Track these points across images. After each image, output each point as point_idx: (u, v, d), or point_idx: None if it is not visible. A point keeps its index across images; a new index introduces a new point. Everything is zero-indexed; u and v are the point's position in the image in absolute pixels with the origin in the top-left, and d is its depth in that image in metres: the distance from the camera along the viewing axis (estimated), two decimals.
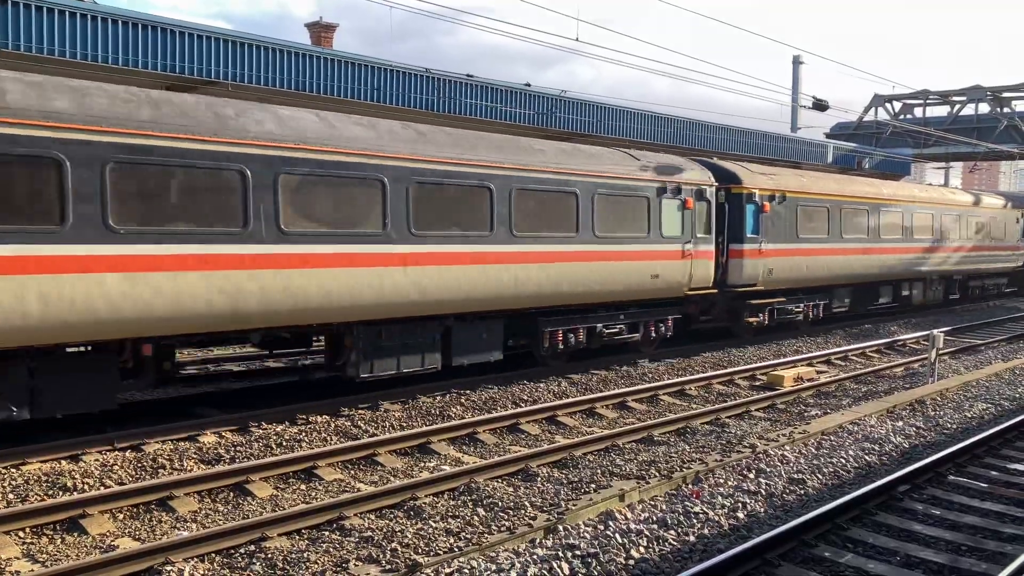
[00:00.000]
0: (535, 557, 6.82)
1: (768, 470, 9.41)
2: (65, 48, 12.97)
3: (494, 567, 6.63)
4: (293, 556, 6.91)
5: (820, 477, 9.31)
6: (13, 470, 8.95)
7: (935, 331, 15.55)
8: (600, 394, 13.28)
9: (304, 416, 11.46)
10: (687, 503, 8.24)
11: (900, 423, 11.84)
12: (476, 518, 7.77)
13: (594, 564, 6.75)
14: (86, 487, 8.54)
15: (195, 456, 9.68)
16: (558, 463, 9.79)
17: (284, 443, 10.31)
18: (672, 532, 7.50)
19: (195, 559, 6.84)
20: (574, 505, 8.07)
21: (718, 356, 17.64)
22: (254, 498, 8.51)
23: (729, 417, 12.36)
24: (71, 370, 9.60)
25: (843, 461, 9.89)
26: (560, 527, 7.55)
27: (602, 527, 7.57)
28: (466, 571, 6.57)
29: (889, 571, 6.74)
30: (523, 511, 7.90)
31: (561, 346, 15.00)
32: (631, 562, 6.84)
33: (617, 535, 7.31)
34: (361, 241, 11.45)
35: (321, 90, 16.10)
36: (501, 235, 13.24)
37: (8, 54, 12.35)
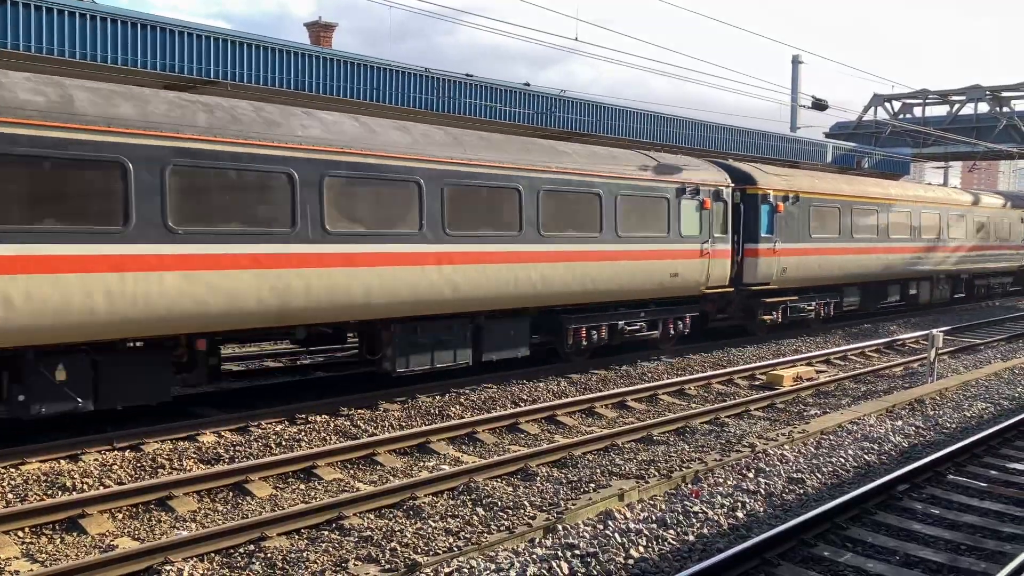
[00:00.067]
0: (534, 556, 6.82)
1: (767, 469, 9.41)
2: (64, 48, 12.96)
3: (493, 566, 6.63)
4: (292, 556, 6.92)
5: (819, 476, 9.32)
6: (12, 470, 8.95)
7: (934, 331, 15.56)
8: (599, 393, 13.28)
9: (303, 416, 11.47)
10: (686, 502, 8.24)
11: (899, 422, 11.85)
12: (475, 518, 7.77)
13: (593, 564, 6.75)
14: (85, 487, 8.54)
15: (194, 456, 9.68)
16: (557, 463, 9.80)
17: (283, 443, 10.31)
18: (671, 531, 7.50)
19: (194, 559, 6.84)
20: (573, 504, 8.07)
21: (717, 356, 17.65)
22: (253, 498, 8.52)
23: (728, 416, 12.36)
24: (130, 364, 10.04)
25: (842, 460, 9.90)
26: (559, 526, 7.56)
27: (601, 526, 7.58)
28: (465, 570, 6.57)
29: (888, 570, 6.74)
30: (522, 511, 7.90)
31: (584, 343, 15.39)
32: (630, 561, 6.84)
33: (616, 534, 7.31)
34: (399, 241, 11.94)
35: (320, 90, 16.09)
36: (529, 235, 13.72)
37: (8, 54, 12.34)
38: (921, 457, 9.79)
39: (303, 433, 10.71)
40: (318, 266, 10.98)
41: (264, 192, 10.59)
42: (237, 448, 10.01)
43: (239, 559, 6.92)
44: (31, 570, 6.70)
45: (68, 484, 8.56)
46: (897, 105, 40.17)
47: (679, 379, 14.61)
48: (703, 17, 22.75)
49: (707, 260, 17.33)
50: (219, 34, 14.92)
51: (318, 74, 16.12)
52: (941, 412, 12.63)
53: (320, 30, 28.45)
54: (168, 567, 6.63)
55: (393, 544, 7.07)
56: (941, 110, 39.80)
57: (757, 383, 15.08)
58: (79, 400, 9.50)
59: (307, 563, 6.77)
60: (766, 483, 8.92)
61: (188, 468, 9.26)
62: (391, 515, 7.96)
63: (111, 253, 9.25)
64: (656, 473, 9.18)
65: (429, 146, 12.46)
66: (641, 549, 7.10)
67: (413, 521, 7.74)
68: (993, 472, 9.49)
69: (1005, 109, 37.38)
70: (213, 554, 6.98)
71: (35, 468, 9.04)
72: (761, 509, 8.23)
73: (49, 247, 8.86)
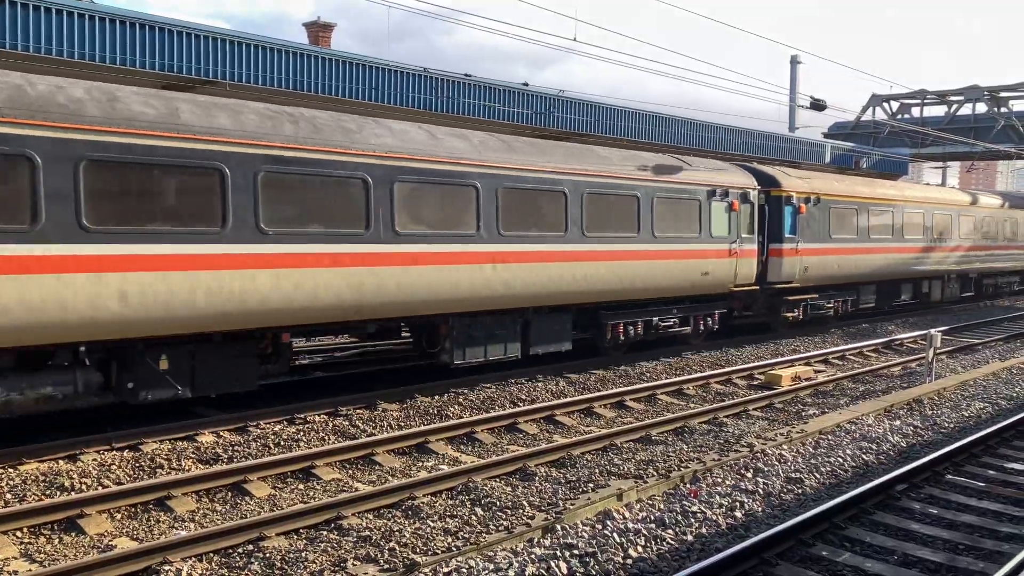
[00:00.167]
0: (533, 556, 6.83)
1: (766, 469, 9.42)
2: (63, 48, 12.96)
3: (492, 566, 6.63)
4: (291, 556, 6.92)
5: (818, 476, 9.33)
6: (11, 470, 8.95)
7: (932, 330, 15.57)
8: (598, 393, 13.29)
9: (302, 416, 11.47)
10: (685, 502, 8.25)
11: (898, 422, 11.86)
12: (474, 517, 7.77)
13: (592, 563, 6.75)
14: (84, 487, 8.54)
15: (193, 456, 9.68)
16: (556, 462, 9.80)
17: (282, 443, 10.32)
18: (670, 531, 7.51)
19: (193, 559, 6.84)
20: (572, 504, 8.08)
21: (716, 355, 17.66)
22: (252, 498, 8.51)
23: (727, 416, 12.37)
24: (223, 355, 10.80)
25: (841, 460, 9.91)
26: (558, 526, 7.56)
27: (600, 526, 7.58)
28: (464, 570, 6.58)
29: (887, 570, 6.75)
30: (521, 510, 7.91)
31: (622, 338, 16.28)
32: (629, 561, 6.85)
33: (615, 534, 7.32)
34: (458, 241, 12.78)
35: (319, 90, 16.09)
36: (574, 235, 14.56)
37: (6, 54, 12.33)
38: (919, 457, 9.80)
39: (302, 433, 10.72)
40: (388, 265, 11.82)
41: (342, 196, 11.37)
42: (236, 448, 10.01)
43: (238, 559, 6.92)
44: (30, 570, 6.70)
45: (67, 484, 8.56)
46: (895, 105, 40.20)
47: (677, 379, 14.62)
48: (702, 17, 22.76)
49: (735, 259, 18.12)
50: (218, 34, 14.92)
51: (317, 74, 16.12)
52: (939, 412, 12.64)
53: (319, 30, 28.44)
54: (167, 567, 6.63)
55: (392, 544, 7.07)
56: (939, 110, 39.85)
57: (755, 383, 15.09)
58: (179, 388, 10.35)
59: (306, 563, 6.78)
60: (764, 483, 8.93)
61: (187, 468, 9.26)
62: (390, 515, 7.96)
63: (211, 253, 10.08)
64: (655, 473, 9.19)
65: (485, 152, 13.32)
66: (640, 549, 7.11)
67: (412, 521, 7.74)
68: (991, 472, 9.51)
69: (1003, 109, 37.40)
70: (212, 554, 6.98)
71: (34, 468, 9.04)
72: (759, 509, 8.23)
73: (159, 247, 9.67)
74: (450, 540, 7.18)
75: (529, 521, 7.63)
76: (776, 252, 19.50)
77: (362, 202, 11.52)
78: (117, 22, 13.62)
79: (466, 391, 13.39)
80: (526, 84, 20.20)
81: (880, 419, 12.06)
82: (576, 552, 6.93)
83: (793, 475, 9.25)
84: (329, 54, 16.87)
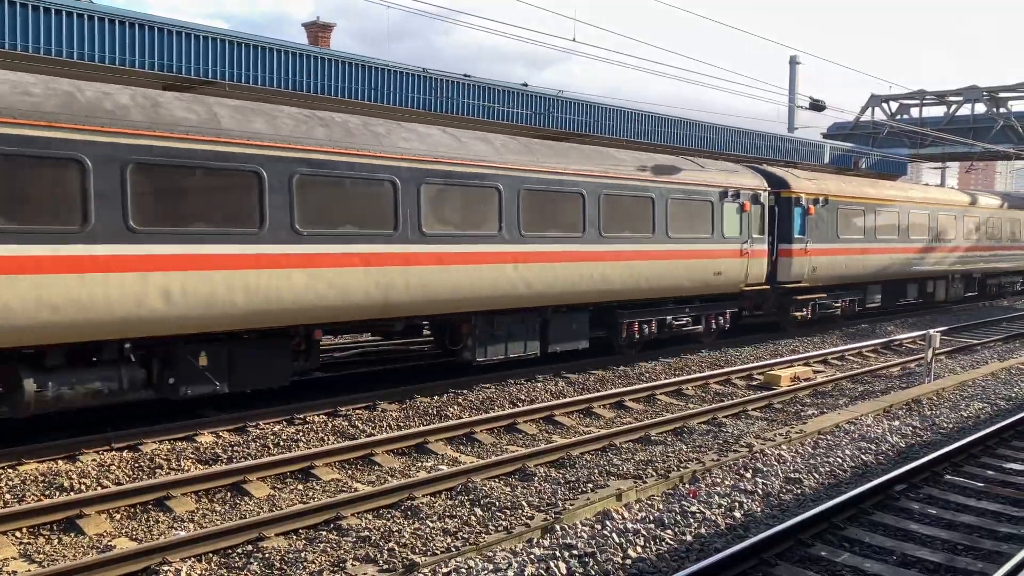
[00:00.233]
0: (532, 557, 6.83)
1: (765, 469, 9.43)
2: (62, 48, 12.95)
3: (491, 567, 6.64)
4: (290, 556, 6.92)
5: (817, 476, 9.33)
6: (10, 470, 8.95)
7: (931, 331, 15.58)
8: (597, 394, 13.29)
9: (301, 416, 11.47)
10: (684, 502, 8.25)
11: (897, 422, 11.87)
12: (473, 518, 7.77)
13: (591, 564, 6.76)
14: (83, 487, 8.54)
15: (192, 456, 9.68)
16: (555, 463, 9.80)
17: (281, 443, 10.32)
18: (669, 531, 7.51)
19: (192, 559, 6.84)
20: (571, 505, 8.08)
21: (715, 356, 17.67)
22: (251, 498, 8.51)
23: (726, 417, 12.38)
24: (258, 351, 11.15)
25: (840, 460, 9.91)
26: (557, 527, 7.57)
27: (599, 527, 7.59)
28: (463, 571, 6.58)
29: (885, 570, 6.76)
30: (520, 511, 7.91)
31: (636, 336, 16.62)
32: (628, 562, 6.85)
33: (614, 535, 7.32)
34: (481, 241, 13.12)
35: (318, 90, 16.08)
36: (591, 236, 14.91)
37: (5, 54, 12.32)
38: (918, 457, 9.81)
39: (301, 433, 10.72)
40: (416, 264, 12.17)
41: (372, 198, 11.72)
42: (235, 448, 10.01)
43: (237, 559, 6.92)
44: (29, 570, 6.70)
45: (66, 484, 8.56)
46: (894, 106, 40.20)
47: (677, 379, 14.63)
48: (700, 18, 22.77)
49: (747, 260, 18.50)
50: (217, 34, 14.91)
51: (316, 74, 16.12)
52: (938, 412, 12.65)
53: (318, 30, 28.42)
54: (166, 567, 6.63)
55: (391, 544, 7.08)
56: (938, 111, 39.84)
57: (755, 383, 15.10)
58: (217, 383, 10.68)
59: (305, 563, 6.78)
60: (763, 483, 8.93)
61: (186, 468, 9.26)
62: (389, 515, 7.96)
63: (250, 253, 10.42)
64: (654, 473, 9.20)
65: (507, 154, 13.67)
66: (639, 549, 7.11)
67: (411, 521, 7.74)
68: (990, 472, 9.52)
69: (1002, 110, 37.41)
70: (211, 554, 6.98)
71: (33, 468, 9.03)
72: (759, 509, 8.24)
73: (201, 247, 9.99)
74: (449, 540, 7.19)
75: (528, 521, 7.64)
76: (786, 252, 19.84)
77: (391, 204, 11.88)
78: (116, 22, 13.61)
79: (465, 391, 13.39)
80: (525, 84, 20.21)
81: (879, 419, 12.07)
82: (575, 552, 6.94)
83: (792, 475, 9.26)
84: (328, 54, 16.87)
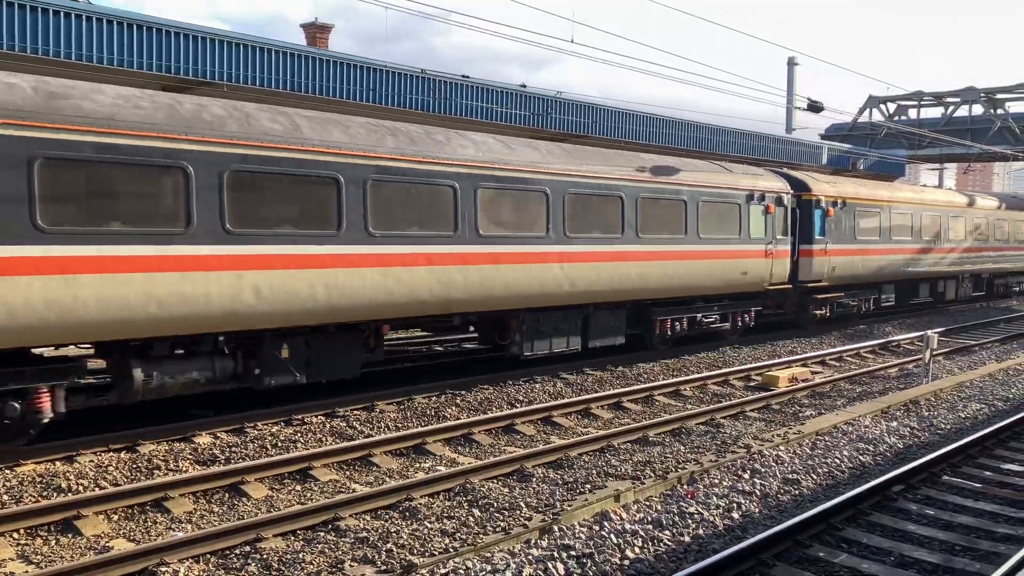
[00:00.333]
0: (530, 557, 6.83)
1: (763, 470, 9.43)
2: (60, 48, 12.93)
3: (489, 567, 6.64)
4: (288, 557, 6.92)
5: (815, 477, 9.34)
6: (8, 471, 8.94)
7: (929, 332, 15.61)
8: (595, 394, 13.29)
9: (299, 417, 11.46)
10: (682, 503, 8.26)
11: (894, 423, 11.88)
12: (471, 519, 7.77)
13: (589, 564, 6.76)
14: (81, 488, 8.53)
15: (190, 457, 9.68)
16: (553, 463, 9.80)
17: (279, 444, 10.31)
18: (667, 532, 7.51)
19: (190, 560, 6.84)
20: (569, 506, 8.08)
21: (713, 357, 17.68)
22: (249, 499, 8.51)
23: (724, 418, 12.38)
24: (332, 344, 11.89)
25: (838, 461, 9.92)
26: (555, 527, 7.57)
27: (597, 527, 7.59)
28: (461, 572, 6.58)
29: (883, 571, 6.76)
30: (518, 512, 7.91)
31: (668, 333, 17.44)
32: (626, 562, 6.86)
33: (612, 535, 7.32)
34: (531, 242, 13.93)
35: (317, 91, 16.07)
36: (629, 236, 15.69)
37: (2, 54, 12.31)
38: (916, 458, 9.82)
39: (299, 434, 10.71)
40: (473, 263, 12.97)
41: (434, 201, 12.50)
42: (233, 449, 10.00)
43: (235, 560, 6.92)
44: (26, 572, 6.69)
45: (63, 485, 8.55)
46: (892, 107, 40.23)
47: (675, 380, 14.63)
48: (699, 19, 22.80)
49: (771, 260, 19.30)
50: (215, 35, 14.90)
51: (314, 75, 16.11)
52: (936, 413, 12.67)
53: (316, 31, 28.38)
54: (164, 568, 6.63)
55: (389, 545, 7.07)
56: (936, 112, 39.86)
57: (753, 384, 15.11)
58: (297, 374, 11.40)
59: (303, 564, 6.77)
60: (761, 484, 8.94)
61: (184, 469, 9.25)
62: (387, 516, 7.96)
63: (329, 253, 11.18)
64: (652, 474, 9.20)
65: (553, 160, 14.45)
66: (637, 550, 7.11)
67: (409, 522, 7.74)
68: (988, 473, 9.53)
69: (999, 111, 37.44)
70: (209, 555, 6.97)
71: (30, 469, 9.02)
72: (757, 510, 8.24)
73: (288, 247, 10.79)
74: (447, 541, 7.19)
75: (526, 522, 7.64)
76: (807, 253, 20.50)
77: (451, 207, 12.66)
78: (114, 23, 13.60)
79: (463, 392, 13.40)
80: (523, 86, 20.21)
81: (877, 420, 12.08)
82: (573, 553, 6.94)
83: (790, 476, 9.27)
84: (326, 55, 16.86)
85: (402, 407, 12.34)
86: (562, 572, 6.62)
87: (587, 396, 13.15)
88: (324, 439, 10.62)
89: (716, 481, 9.09)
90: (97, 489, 8.47)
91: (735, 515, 8.05)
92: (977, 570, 6.74)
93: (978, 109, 37.91)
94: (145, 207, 9.63)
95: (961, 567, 6.82)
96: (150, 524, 7.79)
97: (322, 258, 11.10)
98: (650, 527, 7.60)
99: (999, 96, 37.49)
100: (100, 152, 9.19)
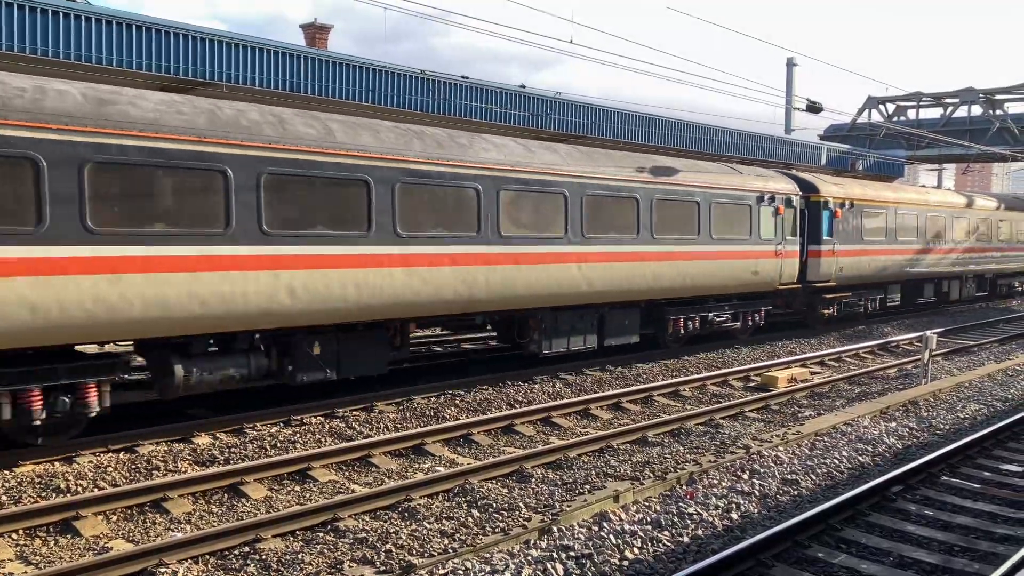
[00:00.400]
0: (529, 558, 6.83)
1: (762, 471, 9.44)
2: (59, 49, 12.92)
3: (488, 568, 6.64)
4: (287, 557, 6.91)
5: (813, 478, 9.34)
6: (6, 471, 8.93)
7: (928, 332, 15.61)
8: (595, 395, 13.29)
9: (298, 417, 11.46)
10: (681, 504, 8.26)
11: (893, 424, 11.89)
12: (471, 519, 7.77)
13: (588, 565, 6.76)
14: (80, 489, 8.52)
15: (189, 457, 9.67)
16: (553, 464, 9.80)
17: (278, 444, 10.31)
18: (666, 533, 7.52)
19: (189, 560, 6.84)
20: (568, 506, 8.08)
21: (712, 357, 17.68)
22: (248, 499, 8.51)
23: (723, 418, 12.38)
24: (360, 342, 12.21)
25: (836, 462, 9.93)
26: (554, 528, 7.57)
27: (596, 528, 7.59)
28: (460, 572, 6.58)
29: (882, 571, 6.77)
30: (517, 512, 7.91)
31: (681, 331, 17.77)
32: (625, 563, 6.86)
33: (611, 536, 7.32)
34: (550, 243, 14.23)
35: (316, 91, 16.07)
36: (644, 237, 16.00)
37: (0, 55, 12.30)
38: (915, 458, 9.82)
39: (298, 435, 10.71)
40: (495, 264, 13.29)
41: (458, 203, 12.83)
42: (232, 450, 10.00)
43: (234, 561, 6.92)
44: (25, 572, 6.69)
45: (62, 486, 8.54)
46: (891, 107, 40.26)
47: (674, 380, 14.63)
48: (698, 20, 22.80)
49: (781, 260, 19.61)
50: (214, 35, 14.89)
51: (314, 76, 16.11)
52: (935, 413, 12.67)
53: (316, 32, 28.38)
54: (163, 569, 6.63)
55: (388, 546, 7.07)
56: (935, 112, 39.91)
57: (752, 385, 15.11)
58: (327, 371, 11.75)
59: (302, 565, 6.77)
60: (760, 484, 8.94)
61: (183, 470, 9.25)
62: (386, 517, 7.96)
63: (360, 253, 11.52)
64: (651, 475, 9.20)
65: (571, 163, 14.76)
66: (636, 550, 7.11)
67: (408, 523, 7.74)
68: (986, 473, 9.53)
69: (998, 112, 37.47)
70: (208, 556, 6.97)
71: (29, 470, 9.02)
72: (756, 510, 8.25)
73: (320, 248, 11.09)
74: (446, 542, 7.19)
75: (525, 523, 7.64)
76: (815, 253, 20.82)
77: (474, 208, 12.99)
78: (113, 23, 13.59)
79: (462, 393, 13.40)
80: (523, 86, 20.21)
81: (876, 421, 12.09)
82: (572, 554, 6.94)
83: (789, 477, 9.27)
84: (326, 56, 16.85)
85: (401, 408, 12.34)
86: (561, 573, 6.62)
87: (586, 397, 13.15)
88: (323, 440, 10.62)
89: (715, 482, 9.09)
90: (96, 490, 8.47)
91: (734, 516, 8.05)
92: (976, 570, 6.75)
93: (977, 110, 37.96)
94: (187, 209, 9.94)
95: (960, 567, 6.83)
96: (149, 525, 7.78)
97: (353, 258, 11.44)
98: (649, 528, 7.60)
99: (998, 97, 37.53)
100: (146, 156, 9.54)
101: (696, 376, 15.17)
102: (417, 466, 9.84)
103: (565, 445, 10.31)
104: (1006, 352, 19.48)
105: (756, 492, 8.72)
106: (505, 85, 19.88)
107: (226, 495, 8.59)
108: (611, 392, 13.54)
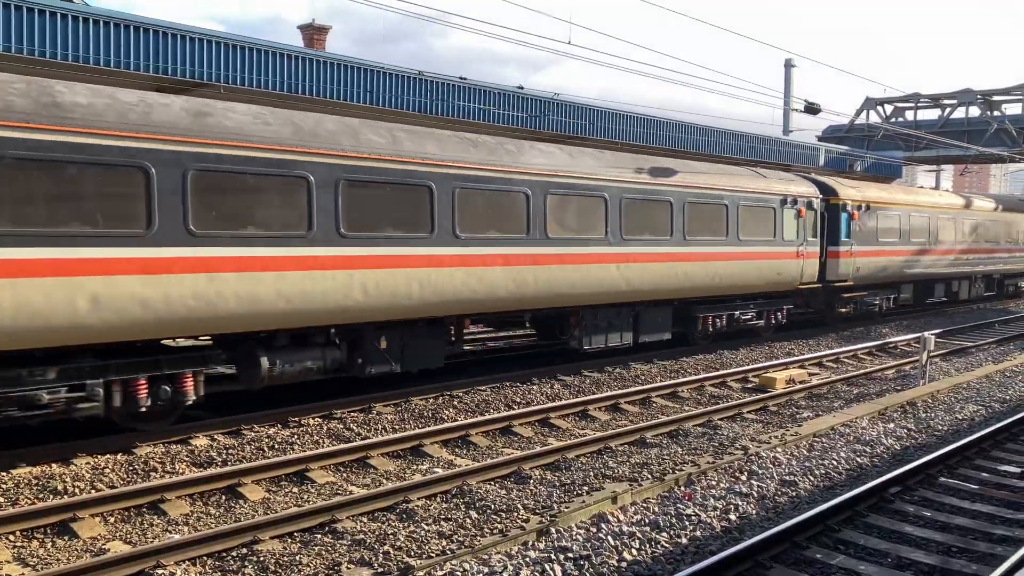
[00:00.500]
0: (527, 559, 6.83)
1: (760, 472, 9.44)
2: (56, 50, 12.91)
3: (486, 569, 6.63)
4: (285, 559, 6.90)
5: (812, 479, 9.34)
6: (3, 473, 8.91)
7: (926, 333, 15.62)
8: (593, 396, 13.28)
9: (296, 419, 11.45)
10: (679, 505, 8.26)
11: (891, 425, 11.89)
12: (469, 521, 7.77)
13: (586, 566, 6.76)
14: (77, 490, 8.51)
15: (187, 459, 9.66)
16: (551, 465, 9.80)
17: (276, 446, 10.30)
18: (664, 534, 7.51)
19: (186, 562, 6.83)
20: (566, 507, 8.08)
21: (710, 358, 17.68)
22: (246, 501, 8.49)
23: (721, 419, 12.38)
24: (422, 337, 12.97)
25: (835, 463, 9.92)
26: (552, 529, 7.56)
27: (594, 529, 7.59)
28: (458, 574, 6.58)
29: (880, 572, 6.77)
30: (515, 513, 7.91)
31: (710, 329, 18.62)
32: (623, 564, 6.85)
33: (609, 537, 7.32)
34: (592, 244, 14.97)
35: (314, 92, 16.07)
36: (677, 239, 16.78)
37: None
38: (913, 459, 9.82)
39: (296, 436, 10.70)
40: (543, 263, 14.05)
41: (509, 206, 13.61)
42: (230, 451, 9.99)
43: (232, 562, 6.91)
44: (22, 574, 6.68)
45: (60, 487, 8.53)
46: (889, 108, 40.28)
47: (672, 381, 14.63)
48: (696, 21, 22.83)
49: (802, 260, 20.34)
50: (212, 36, 14.88)
51: (312, 77, 16.11)
52: (933, 414, 12.68)
53: (314, 33, 28.40)
54: (160, 571, 6.62)
55: (386, 547, 7.07)
56: (933, 114, 39.89)
57: (750, 386, 15.11)
58: (392, 364, 12.47)
59: (300, 566, 6.76)
60: (759, 485, 8.94)
61: (180, 471, 9.24)
62: (384, 518, 7.95)
63: (423, 253, 12.29)
64: (649, 476, 9.20)
65: (610, 168, 15.47)
66: (634, 552, 7.11)
67: (406, 524, 7.73)
68: (984, 474, 9.54)
69: (996, 113, 37.49)
70: (205, 557, 6.96)
71: (26, 472, 9.00)
72: (754, 511, 8.24)
73: (389, 249, 11.88)
74: (444, 543, 7.18)
75: (524, 524, 7.63)
76: (834, 254, 21.54)
77: (524, 211, 13.76)
78: (111, 24, 13.58)
79: (460, 394, 13.39)
80: (521, 87, 20.22)
81: (874, 422, 12.09)
82: (570, 555, 6.93)
83: (787, 478, 9.27)
84: (324, 57, 16.86)
85: (399, 409, 12.33)
86: (559, 574, 6.62)
87: (584, 398, 13.15)
88: (321, 441, 10.61)
89: (713, 483, 9.09)
90: (93, 491, 8.46)
91: (732, 517, 8.05)
92: (974, 571, 6.75)
93: (975, 111, 37.96)
94: (275, 213, 10.68)
95: (958, 568, 6.83)
96: (147, 526, 7.77)
97: (417, 258, 12.20)
98: (647, 529, 7.59)
99: (995, 98, 37.55)
100: (239, 164, 10.30)
101: (694, 377, 15.17)
102: (415, 467, 9.83)
103: (563, 446, 10.31)
104: (1004, 353, 19.49)
105: (754, 493, 8.71)
106: (503, 86, 19.89)
107: (224, 497, 8.58)
108: (609, 393, 13.54)
